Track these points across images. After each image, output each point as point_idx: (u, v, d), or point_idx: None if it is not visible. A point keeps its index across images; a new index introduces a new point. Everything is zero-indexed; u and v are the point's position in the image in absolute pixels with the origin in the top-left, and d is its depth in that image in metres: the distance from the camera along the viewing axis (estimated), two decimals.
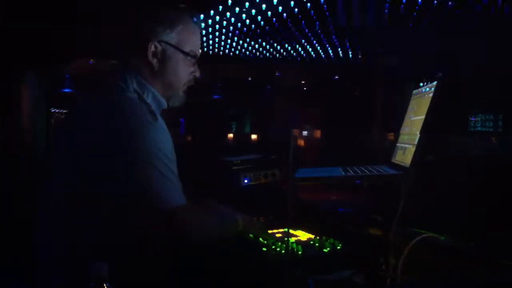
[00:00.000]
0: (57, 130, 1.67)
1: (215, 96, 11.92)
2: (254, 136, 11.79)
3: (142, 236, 1.46)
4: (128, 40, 1.60)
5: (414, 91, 2.09)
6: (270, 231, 1.83)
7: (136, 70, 1.56)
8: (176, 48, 1.57)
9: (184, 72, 1.62)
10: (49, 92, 5.78)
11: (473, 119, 8.66)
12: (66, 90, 8.88)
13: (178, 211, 1.43)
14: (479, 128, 8.57)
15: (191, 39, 1.61)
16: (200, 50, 1.66)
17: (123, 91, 1.50)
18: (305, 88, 11.77)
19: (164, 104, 1.62)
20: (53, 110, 8.69)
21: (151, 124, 1.43)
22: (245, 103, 12.70)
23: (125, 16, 1.70)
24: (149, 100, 1.54)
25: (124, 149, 1.40)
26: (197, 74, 1.67)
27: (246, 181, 2.40)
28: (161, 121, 1.51)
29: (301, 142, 10.41)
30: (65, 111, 8.78)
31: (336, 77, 10.27)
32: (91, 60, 7.63)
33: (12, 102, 5.38)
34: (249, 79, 10.81)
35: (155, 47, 1.55)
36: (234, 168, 2.45)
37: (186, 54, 1.59)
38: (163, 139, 1.46)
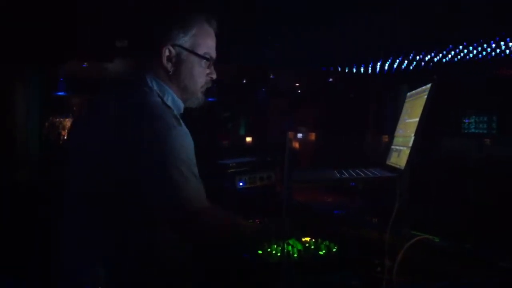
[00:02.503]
0: (76, 132, 1.63)
1: (209, 99, 11.89)
2: (248, 139, 11.79)
3: (164, 239, 1.46)
4: (143, 43, 1.60)
5: (409, 93, 2.09)
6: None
7: (155, 73, 1.56)
8: (191, 51, 1.57)
9: (199, 75, 1.61)
10: (43, 95, 5.75)
11: (466, 120, 8.69)
12: (60, 94, 8.85)
13: (205, 211, 1.44)
14: (473, 130, 8.60)
15: (205, 42, 1.60)
16: (215, 52, 1.65)
17: (147, 94, 1.50)
18: (299, 91, 11.79)
19: (182, 108, 1.62)
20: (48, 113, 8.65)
21: (176, 128, 1.43)
22: (239, 106, 12.70)
23: (139, 20, 1.69)
24: (169, 103, 1.54)
25: (151, 153, 1.38)
26: (214, 76, 1.66)
27: (241, 184, 2.40)
28: (183, 125, 1.50)
29: (296, 145, 10.41)
30: (59, 114, 8.76)
31: (331, 79, 10.29)
32: (85, 63, 7.61)
33: (6, 105, 5.37)
34: (244, 81, 10.82)
35: (169, 51, 1.54)
36: (229, 171, 2.45)
37: (201, 57, 1.59)
38: (187, 143, 1.46)
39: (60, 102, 8.95)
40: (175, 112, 1.53)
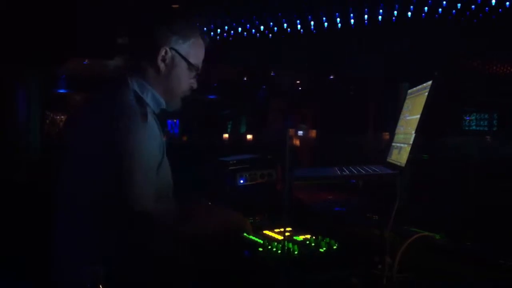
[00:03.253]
0: (66, 132, 1.78)
1: (211, 96, 11.91)
2: (249, 136, 11.79)
3: (129, 235, 1.49)
4: (140, 41, 1.70)
5: (409, 91, 2.09)
6: (268, 231, 1.83)
7: (140, 71, 1.65)
8: (184, 58, 1.68)
9: (185, 81, 1.73)
10: (44, 92, 5.75)
11: (467, 118, 8.69)
12: (61, 91, 8.86)
13: (151, 209, 1.48)
14: (473, 127, 8.60)
15: (197, 53, 1.73)
16: (201, 65, 1.76)
17: (123, 93, 1.58)
18: (300, 88, 11.78)
19: (163, 103, 1.70)
20: (48, 111, 8.65)
21: (138, 124, 1.50)
22: (240, 103, 12.70)
23: (140, 18, 1.80)
24: (148, 99, 1.64)
25: (111, 150, 1.46)
26: (195, 86, 1.77)
27: (242, 181, 2.40)
28: (151, 122, 1.57)
29: (296, 142, 10.42)
30: (60, 111, 8.77)
31: (331, 77, 10.29)
32: (86, 60, 7.62)
33: (6, 102, 5.36)
34: (245, 79, 10.82)
35: (166, 52, 1.65)
36: (230, 168, 2.45)
37: (191, 65, 1.70)
38: (149, 140, 1.52)
39: (61, 99, 8.95)
40: (153, 107, 1.65)
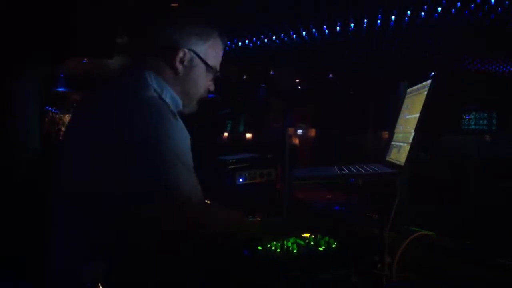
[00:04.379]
0: (71, 129, 1.62)
1: (209, 95, 11.86)
2: (248, 135, 11.79)
3: (157, 232, 1.44)
4: (159, 40, 1.61)
5: (409, 90, 2.09)
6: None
7: (156, 71, 1.58)
8: (203, 60, 1.63)
9: (203, 83, 1.68)
10: (43, 91, 5.74)
11: (467, 117, 8.69)
12: (60, 90, 8.85)
13: (203, 208, 1.48)
14: (473, 127, 8.60)
15: (216, 54, 1.68)
16: (219, 66, 1.71)
17: (143, 89, 1.51)
18: (299, 87, 11.78)
19: (180, 104, 1.65)
20: (47, 109, 8.65)
21: (171, 122, 1.45)
22: (239, 102, 12.68)
23: (161, 20, 1.73)
24: (167, 99, 1.57)
25: (145, 147, 1.39)
26: (212, 88, 1.73)
27: (241, 180, 2.40)
28: (179, 120, 1.52)
29: (296, 141, 10.41)
30: (58, 110, 8.76)
31: (331, 75, 10.28)
32: (85, 59, 7.60)
33: (5, 101, 5.36)
34: (244, 78, 10.81)
35: (184, 53, 1.59)
36: (229, 167, 2.45)
37: (209, 67, 1.65)
38: (183, 138, 1.48)
39: (60, 98, 8.95)
40: (173, 108, 1.56)
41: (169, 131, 1.42)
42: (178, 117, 1.51)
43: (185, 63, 1.60)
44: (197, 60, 1.62)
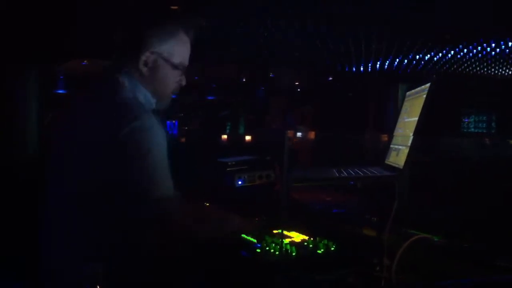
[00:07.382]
0: (57, 132, 1.69)
1: (209, 97, 11.90)
2: (248, 137, 11.79)
3: (142, 231, 1.48)
4: (123, 45, 1.67)
5: (408, 93, 2.09)
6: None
7: (129, 73, 1.62)
8: (167, 60, 1.64)
9: (171, 81, 1.69)
10: (43, 92, 5.74)
11: (466, 120, 8.69)
12: (60, 91, 8.85)
13: (176, 204, 1.48)
14: (472, 129, 8.61)
15: (182, 51, 1.69)
16: (188, 61, 1.72)
17: (117, 91, 1.56)
18: (299, 89, 11.78)
19: (154, 103, 1.68)
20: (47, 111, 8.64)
21: (146, 121, 1.48)
22: (239, 104, 12.69)
23: (124, 22, 1.76)
24: (141, 99, 1.62)
25: (126, 145, 1.43)
26: (183, 82, 1.74)
27: (240, 182, 2.40)
28: (154, 118, 1.55)
29: (295, 143, 10.41)
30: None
31: (330, 78, 10.28)
32: (85, 61, 7.61)
33: (6, 102, 5.36)
34: (243, 80, 10.81)
35: (147, 56, 1.61)
36: (228, 169, 2.45)
37: (175, 66, 1.67)
38: (159, 137, 1.50)
39: (60, 100, 8.95)
40: (147, 107, 1.61)
41: (141, 131, 1.45)
42: (152, 115, 1.55)
43: (149, 65, 1.62)
44: (161, 61, 1.64)
